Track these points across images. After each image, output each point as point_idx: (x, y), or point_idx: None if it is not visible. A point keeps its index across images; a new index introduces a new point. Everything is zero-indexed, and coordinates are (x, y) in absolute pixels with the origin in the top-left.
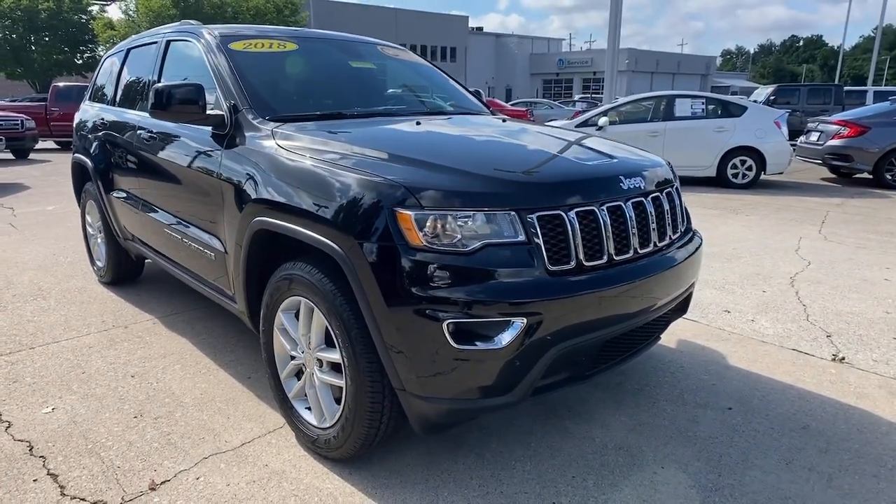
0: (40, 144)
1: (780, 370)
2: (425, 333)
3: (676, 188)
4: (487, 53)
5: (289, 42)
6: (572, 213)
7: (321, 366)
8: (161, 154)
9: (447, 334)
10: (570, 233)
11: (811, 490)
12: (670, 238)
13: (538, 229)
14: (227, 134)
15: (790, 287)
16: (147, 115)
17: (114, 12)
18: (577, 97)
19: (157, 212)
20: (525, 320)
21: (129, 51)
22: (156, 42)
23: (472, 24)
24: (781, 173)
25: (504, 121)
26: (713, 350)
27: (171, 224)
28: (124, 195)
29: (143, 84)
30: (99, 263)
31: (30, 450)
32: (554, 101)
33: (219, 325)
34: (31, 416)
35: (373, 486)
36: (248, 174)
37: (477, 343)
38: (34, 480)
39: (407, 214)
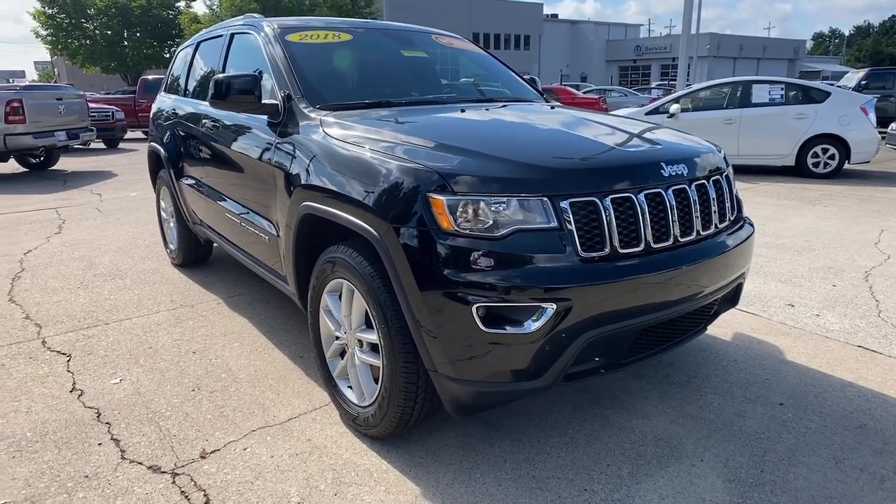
0: (129, 134)
1: (842, 367)
2: (455, 316)
3: (726, 176)
4: (562, 41)
5: (344, 33)
6: (607, 200)
7: (361, 346)
8: (223, 142)
9: (477, 318)
10: (604, 219)
11: (860, 491)
12: (716, 226)
13: (571, 216)
14: (281, 122)
15: (864, 281)
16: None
17: (199, 7)
18: (654, 84)
19: (220, 197)
20: (555, 306)
21: (199, 44)
22: (221, 35)
23: (547, 11)
24: (868, 162)
25: (553, 108)
26: (771, 344)
27: (232, 209)
28: (192, 181)
29: (209, 75)
30: (171, 246)
31: (97, 416)
32: (630, 88)
33: (277, 307)
34: (102, 385)
35: (408, 465)
36: (296, 160)
37: (506, 327)
38: (99, 444)
39: (439, 199)
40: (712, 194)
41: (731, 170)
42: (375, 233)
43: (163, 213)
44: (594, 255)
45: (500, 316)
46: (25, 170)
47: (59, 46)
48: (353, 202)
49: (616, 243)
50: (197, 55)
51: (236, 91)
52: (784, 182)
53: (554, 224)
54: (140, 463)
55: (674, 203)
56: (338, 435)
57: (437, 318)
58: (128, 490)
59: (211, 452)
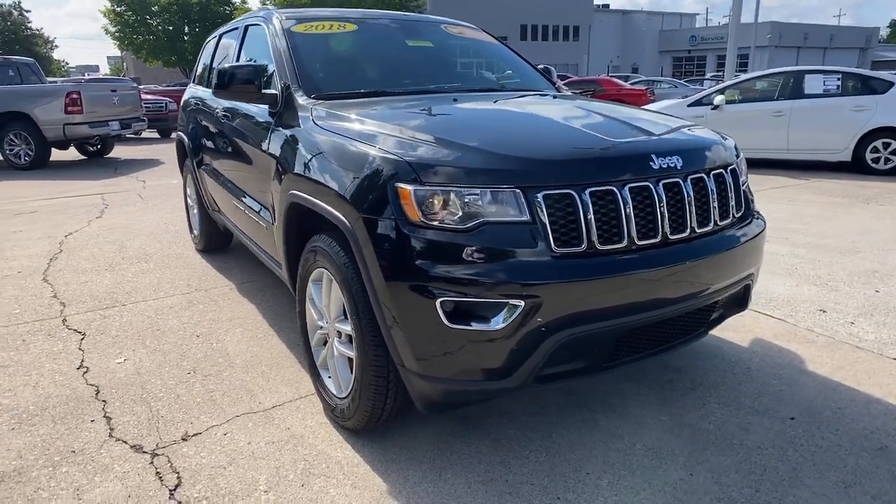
0: None
1: (870, 381)
2: (420, 310)
3: (732, 169)
4: (613, 31)
5: (350, 23)
6: (586, 193)
7: (340, 337)
8: (231, 132)
9: (441, 312)
10: (581, 213)
11: None
12: (716, 223)
13: (544, 209)
14: (278, 111)
15: None
16: None
17: (253, 3)
18: (708, 75)
19: (230, 185)
20: (523, 303)
21: (220, 36)
22: (238, 28)
23: (598, 1)
24: None
25: (555, 98)
26: (792, 353)
27: (238, 196)
28: (209, 170)
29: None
30: (195, 232)
31: (96, 394)
32: (683, 80)
33: (286, 294)
34: (106, 364)
35: (380, 459)
36: (286, 148)
37: (472, 324)
38: (91, 421)
39: (407, 190)
40: (712, 189)
41: (741, 162)
42: (347, 222)
43: (189, 200)
44: (569, 250)
45: (466, 311)
46: (83, 157)
47: (126, 42)
48: (328, 191)
49: (594, 239)
50: (218, 47)
51: (238, 81)
52: (838, 178)
53: (526, 217)
54: (125, 442)
55: (663, 198)
56: (317, 425)
57: (402, 312)
58: (108, 467)
59: (193, 435)
